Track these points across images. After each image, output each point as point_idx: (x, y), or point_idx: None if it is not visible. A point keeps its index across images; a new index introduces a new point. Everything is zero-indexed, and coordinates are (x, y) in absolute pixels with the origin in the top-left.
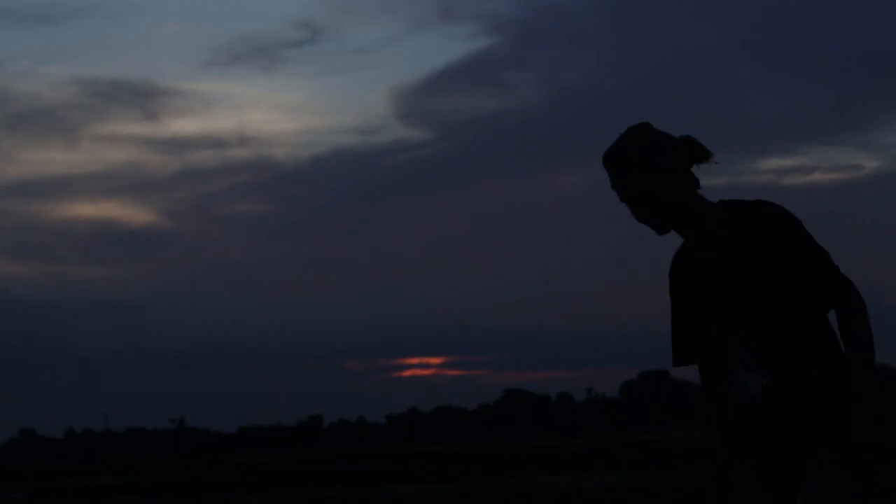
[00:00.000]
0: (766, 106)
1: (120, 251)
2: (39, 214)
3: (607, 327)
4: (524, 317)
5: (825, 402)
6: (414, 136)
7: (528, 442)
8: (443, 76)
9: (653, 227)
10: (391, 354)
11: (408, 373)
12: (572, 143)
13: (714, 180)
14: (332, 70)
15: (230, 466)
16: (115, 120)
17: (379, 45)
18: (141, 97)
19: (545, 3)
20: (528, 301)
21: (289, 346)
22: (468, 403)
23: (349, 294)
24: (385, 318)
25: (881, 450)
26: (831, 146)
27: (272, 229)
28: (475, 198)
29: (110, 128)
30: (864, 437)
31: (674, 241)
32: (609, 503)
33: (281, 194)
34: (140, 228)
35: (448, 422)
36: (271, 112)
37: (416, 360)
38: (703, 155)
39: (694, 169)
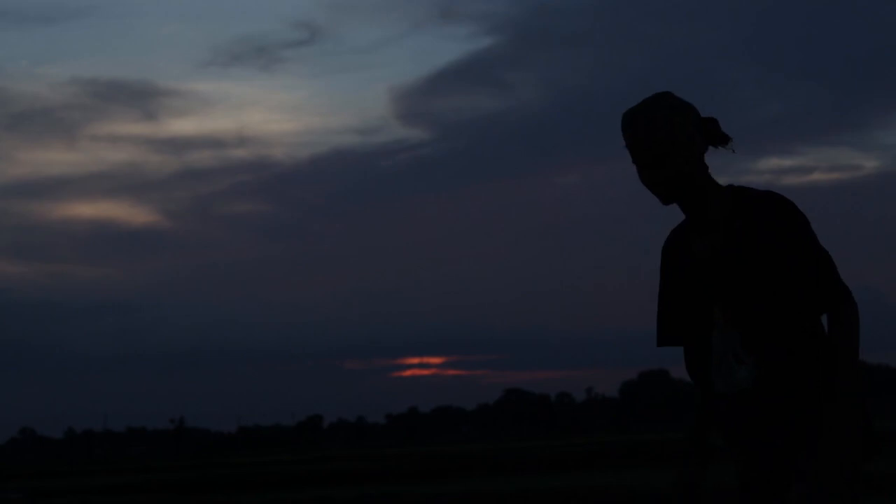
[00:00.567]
0: (766, 106)
1: (119, 251)
2: (39, 214)
3: (607, 327)
4: (524, 317)
5: (812, 405)
6: (413, 137)
7: (528, 442)
8: (442, 76)
9: (660, 193)
10: (391, 354)
11: (408, 373)
12: (572, 143)
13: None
14: (332, 70)
15: (230, 466)
16: (114, 120)
17: (378, 45)
18: (140, 97)
19: (545, 3)
20: (528, 301)
21: (289, 346)
22: (468, 403)
23: (349, 294)
24: (385, 318)
25: (852, 480)
26: (830, 146)
27: (272, 229)
28: (475, 198)
29: (110, 128)
30: (829, 471)
31: (672, 221)
32: (609, 503)
33: (280, 194)
34: (139, 228)
35: (448, 422)
36: (270, 112)
37: (416, 360)
38: (722, 138)
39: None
